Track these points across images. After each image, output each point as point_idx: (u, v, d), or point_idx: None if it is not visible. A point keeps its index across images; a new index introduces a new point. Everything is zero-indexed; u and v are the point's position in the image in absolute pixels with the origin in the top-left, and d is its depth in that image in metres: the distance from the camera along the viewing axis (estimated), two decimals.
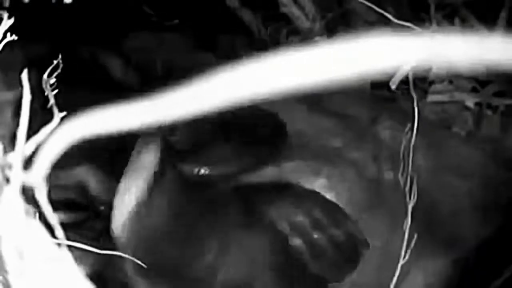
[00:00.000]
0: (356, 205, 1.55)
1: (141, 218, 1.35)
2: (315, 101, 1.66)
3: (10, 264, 0.39)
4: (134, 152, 1.40)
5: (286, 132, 1.54)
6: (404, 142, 1.28)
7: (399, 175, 1.29)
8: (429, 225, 1.47)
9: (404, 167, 1.28)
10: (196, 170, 1.42)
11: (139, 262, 1.16)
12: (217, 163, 1.46)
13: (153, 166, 1.37)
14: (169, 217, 1.39)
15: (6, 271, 0.40)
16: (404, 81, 1.47)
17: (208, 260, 1.39)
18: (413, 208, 1.27)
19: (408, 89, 1.41)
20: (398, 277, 1.27)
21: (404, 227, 1.25)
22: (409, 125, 1.28)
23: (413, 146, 1.25)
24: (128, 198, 1.35)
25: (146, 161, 1.39)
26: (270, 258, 1.42)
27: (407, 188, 1.28)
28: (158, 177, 1.38)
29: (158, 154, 1.39)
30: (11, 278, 0.39)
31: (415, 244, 1.26)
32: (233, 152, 1.48)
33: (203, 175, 1.43)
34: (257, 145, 1.52)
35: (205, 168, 1.44)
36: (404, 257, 1.24)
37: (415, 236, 1.25)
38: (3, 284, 0.42)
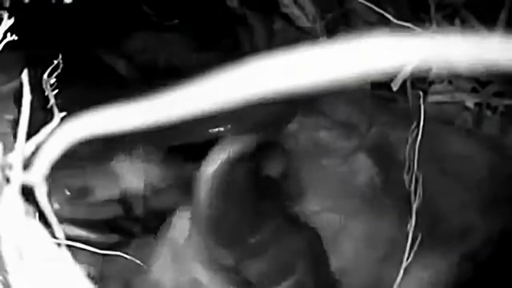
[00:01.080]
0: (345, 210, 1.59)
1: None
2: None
3: (10, 264, 0.39)
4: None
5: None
6: (408, 142, 1.28)
7: (404, 174, 1.29)
8: (433, 220, 1.48)
9: (409, 167, 1.28)
10: None
11: None
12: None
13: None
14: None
15: (6, 271, 0.40)
16: (404, 82, 1.47)
17: (259, 239, 1.46)
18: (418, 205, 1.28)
19: (408, 89, 1.42)
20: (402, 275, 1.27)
21: (408, 227, 1.25)
22: (413, 125, 1.28)
23: (418, 145, 1.25)
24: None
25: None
26: (307, 252, 1.48)
27: (412, 188, 1.28)
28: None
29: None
30: (11, 278, 0.39)
31: (420, 239, 1.26)
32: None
33: None
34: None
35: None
36: (408, 258, 1.24)
37: (419, 236, 1.25)
38: (3, 284, 0.42)
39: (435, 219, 1.53)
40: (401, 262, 1.47)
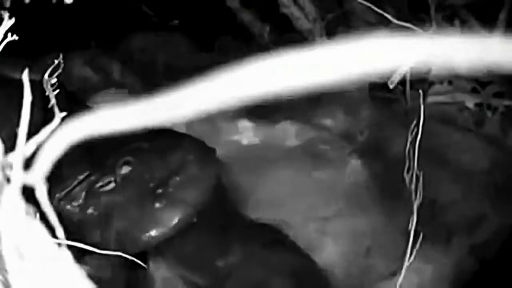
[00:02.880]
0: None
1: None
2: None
3: (10, 264, 0.39)
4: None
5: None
6: (408, 142, 1.28)
7: (405, 173, 1.29)
8: (434, 213, 1.48)
9: (410, 166, 1.28)
10: None
11: None
12: None
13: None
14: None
15: (6, 271, 0.40)
16: (403, 83, 1.47)
17: (230, 261, 1.46)
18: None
19: (410, 89, 1.41)
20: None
21: (410, 226, 1.24)
22: (413, 124, 1.28)
23: (418, 144, 1.25)
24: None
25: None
26: (290, 273, 1.47)
27: (412, 186, 1.28)
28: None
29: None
30: (11, 278, 0.39)
31: (423, 231, 1.26)
32: None
33: None
34: None
35: None
36: (410, 256, 1.24)
37: (421, 234, 1.25)
38: (3, 283, 0.42)
39: (437, 211, 1.53)
40: (387, 254, 1.48)
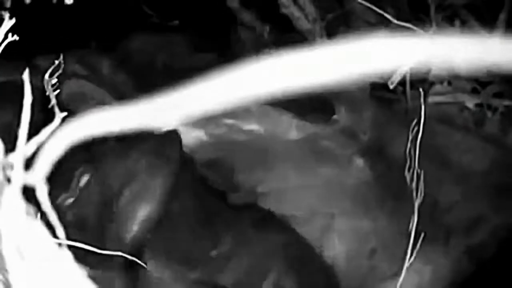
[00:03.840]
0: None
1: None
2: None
3: (11, 264, 0.39)
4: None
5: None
6: (409, 140, 1.28)
7: (406, 171, 1.29)
8: (434, 214, 1.48)
9: (411, 164, 1.28)
10: None
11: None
12: None
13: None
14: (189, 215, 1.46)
15: (6, 271, 0.40)
16: (404, 83, 1.47)
17: (223, 250, 1.47)
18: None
19: (410, 89, 1.41)
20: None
21: (410, 225, 1.24)
22: (413, 123, 1.28)
23: (419, 142, 1.25)
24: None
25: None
26: (283, 251, 1.47)
27: (413, 185, 1.28)
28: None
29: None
30: (11, 278, 0.39)
31: (422, 233, 1.26)
32: None
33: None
34: None
35: None
36: (411, 256, 1.24)
37: (422, 233, 1.25)
38: (4, 284, 0.42)
39: (438, 211, 1.53)
40: (390, 255, 1.48)
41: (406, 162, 1.30)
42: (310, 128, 1.69)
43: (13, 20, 0.76)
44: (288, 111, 1.67)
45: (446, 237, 1.54)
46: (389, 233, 1.55)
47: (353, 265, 1.56)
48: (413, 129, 1.28)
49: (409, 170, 1.29)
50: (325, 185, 1.63)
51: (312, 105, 1.66)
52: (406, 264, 1.24)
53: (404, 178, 1.31)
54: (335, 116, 1.69)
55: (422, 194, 1.27)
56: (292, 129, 1.68)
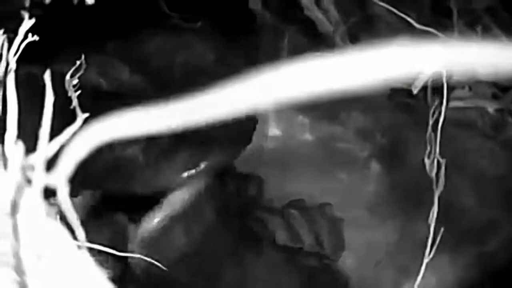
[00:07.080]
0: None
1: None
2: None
3: (28, 265, 0.39)
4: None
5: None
6: (429, 126, 1.26)
7: (425, 158, 1.26)
8: (449, 216, 1.47)
9: (431, 151, 1.25)
10: None
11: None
12: None
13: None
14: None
15: (23, 272, 0.40)
16: (425, 88, 1.47)
17: (227, 279, 1.44)
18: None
19: (431, 94, 1.41)
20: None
21: (430, 218, 1.22)
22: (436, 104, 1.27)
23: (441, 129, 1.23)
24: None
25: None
26: (286, 276, 1.45)
27: (433, 174, 1.25)
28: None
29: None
30: (28, 279, 0.39)
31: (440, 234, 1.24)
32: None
33: None
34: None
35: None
36: (430, 252, 1.21)
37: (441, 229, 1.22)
38: (20, 285, 0.42)
39: (451, 216, 1.52)
40: (399, 265, 1.47)
41: (423, 168, 1.28)
42: (325, 129, 1.68)
43: (33, 20, 0.76)
44: (301, 112, 1.67)
45: (455, 243, 1.53)
46: (400, 245, 1.54)
47: (362, 275, 1.56)
48: (431, 133, 1.27)
49: (428, 157, 1.26)
50: (344, 189, 1.63)
51: (325, 105, 1.65)
52: (425, 261, 1.22)
53: (420, 187, 1.30)
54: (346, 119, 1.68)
55: (443, 184, 1.23)
56: (306, 130, 1.67)
